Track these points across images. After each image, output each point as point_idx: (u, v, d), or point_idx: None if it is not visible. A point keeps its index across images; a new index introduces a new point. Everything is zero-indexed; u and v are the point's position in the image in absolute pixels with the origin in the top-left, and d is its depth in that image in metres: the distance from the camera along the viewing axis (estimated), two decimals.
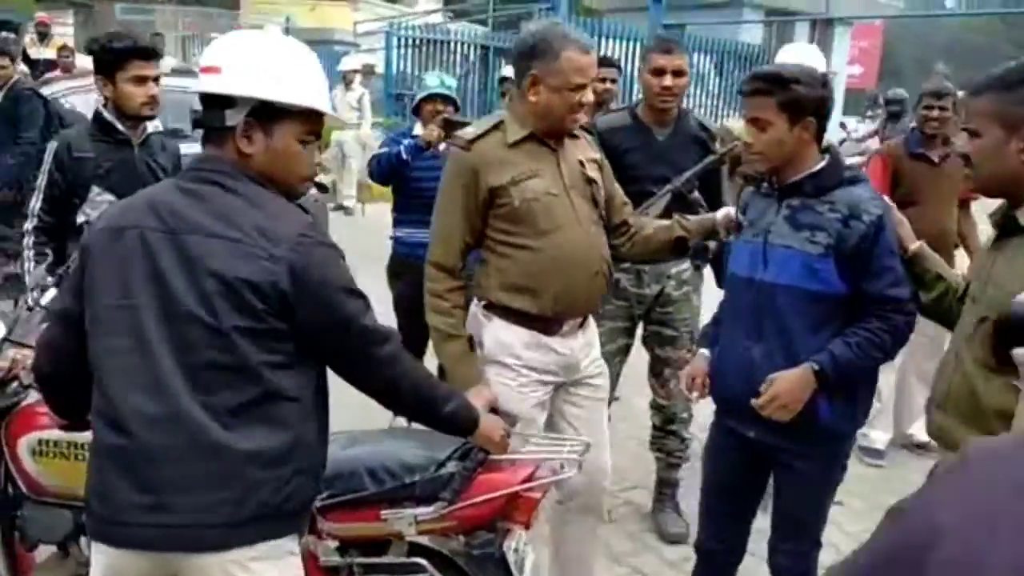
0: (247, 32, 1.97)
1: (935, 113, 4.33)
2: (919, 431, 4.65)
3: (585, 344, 2.77)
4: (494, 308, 2.66)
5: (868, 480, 4.39)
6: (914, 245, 2.42)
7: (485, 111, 9.57)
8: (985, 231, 4.33)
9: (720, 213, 2.80)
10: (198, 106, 1.85)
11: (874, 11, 18.55)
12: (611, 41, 13.46)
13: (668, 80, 3.32)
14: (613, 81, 4.50)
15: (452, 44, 14.06)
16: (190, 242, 1.72)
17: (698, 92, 14.22)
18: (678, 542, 3.67)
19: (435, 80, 4.30)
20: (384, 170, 4.11)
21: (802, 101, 2.32)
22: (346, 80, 10.89)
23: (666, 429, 3.75)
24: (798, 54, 3.85)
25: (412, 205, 4.06)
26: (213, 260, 1.70)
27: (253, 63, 1.80)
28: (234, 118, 1.78)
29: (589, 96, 2.56)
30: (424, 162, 3.99)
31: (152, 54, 3.10)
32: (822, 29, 17.75)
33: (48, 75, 10.22)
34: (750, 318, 2.45)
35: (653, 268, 3.47)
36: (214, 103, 1.80)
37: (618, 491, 4.16)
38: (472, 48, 14.19)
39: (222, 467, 1.70)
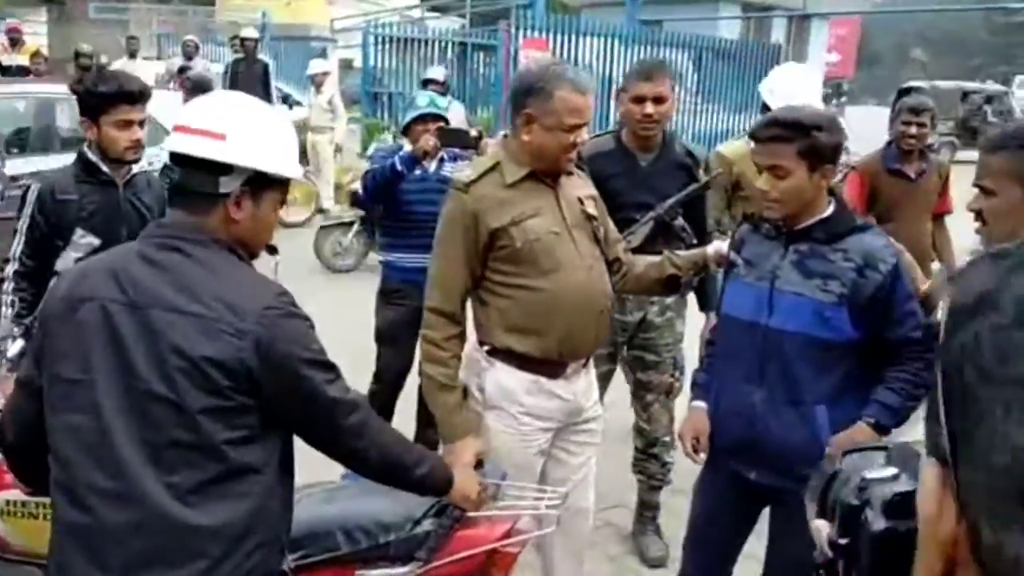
0: (237, 97, 1.90)
1: (913, 130, 4.29)
2: None
3: (587, 386, 2.74)
4: (496, 352, 2.61)
5: None
6: (924, 287, 2.42)
7: (465, 107, 9.50)
8: (960, 245, 4.36)
9: (711, 249, 2.79)
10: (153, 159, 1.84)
11: (850, 6, 18.55)
12: (587, 38, 13.42)
13: (649, 108, 3.26)
14: None
15: (429, 41, 13.99)
16: (152, 316, 1.68)
17: (677, 89, 14.19)
18: (659, 565, 3.67)
19: (425, 100, 4.19)
20: (379, 184, 3.92)
21: (822, 149, 2.27)
22: (315, 83, 10.80)
23: (648, 452, 3.73)
24: (792, 79, 3.87)
25: (403, 228, 3.99)
26: (176, 336, 1.66)
27: (255, 133, 1.79)
28: (229, 185, 1.76)
29: (583, 136, 2.53)
30: (414, 184, 3.92)
31: (139, 97, 3.00)
32: (799, 23, 17.78)
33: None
34: (751, 362, 2.41)
35: (636, 296, 3.45)
36: (205, 168, 1.76)
37: (598, 511, 4.15)
38: (450, 45, 14.13)
39: (183, 544, 1.66)
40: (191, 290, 1.69)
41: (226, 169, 1.75)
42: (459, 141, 3.86)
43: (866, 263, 2.28)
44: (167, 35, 19.59)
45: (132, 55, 12.53)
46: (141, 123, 3.03)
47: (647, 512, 3.82)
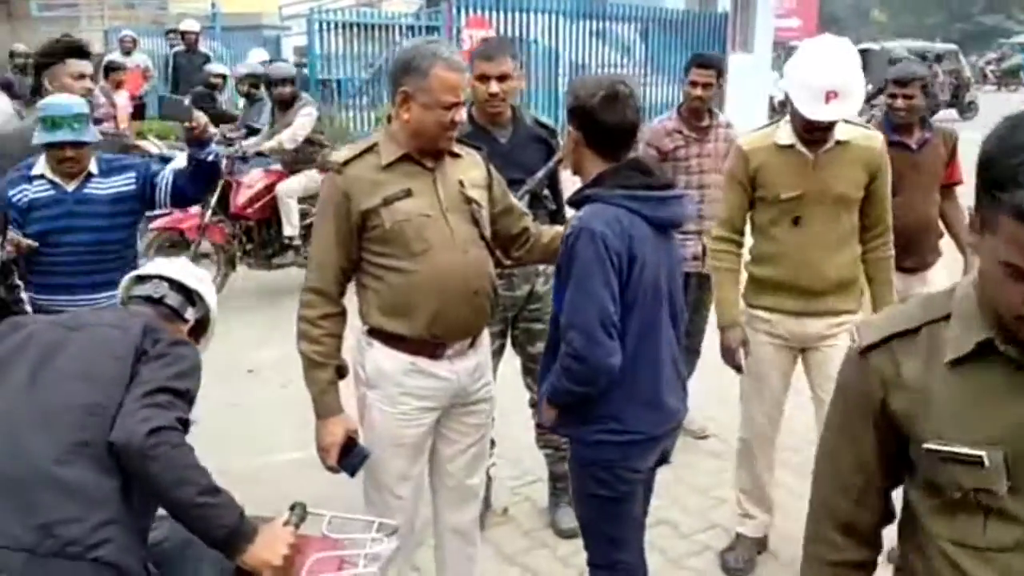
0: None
1: (900, 102, 4.07)
2: None
3: (475, 367, 2.76)
4: (374, 333, 2.66)
5: None
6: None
7: None
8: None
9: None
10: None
11: None
12: (532, 14, 13.38)
13: (494, 86, 3.35)
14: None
15: (376, 26, 13.90)
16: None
17: (625, 61, 14.21)
18: (572, 536, 3.68)
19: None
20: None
21: None
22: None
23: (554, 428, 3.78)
24: (833, 50, 3.13)
25: (42, 264, 3.32)
26: None
27: (213, 292, 2.53)
28: (193, 315, 2.40)
29: (461, 115, 2.56)
30: (50, 208, 3.28)
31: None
32: None
33: None
34: None
35: (523, 270, 3.49)
36: (181, 293, 2.40)
37: (518, 486, 4.23)
38: (397, 28, 14.04)
39: None
40: None
41: (192, 300, 2.42)
42: (180, 115, 3.46)
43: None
44: (117, 30, 19.32)
45: None
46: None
47: (559, 484, 3.88)
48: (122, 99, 9.76)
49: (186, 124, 3.36)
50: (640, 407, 2.41)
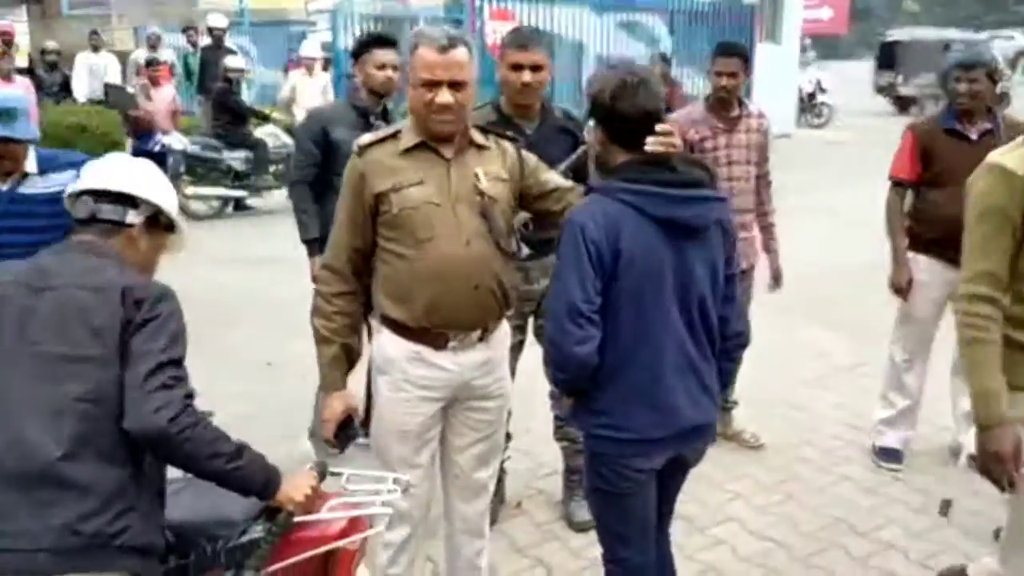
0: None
1: (963, 87, 3.92)
2: (972, 441, 4.20)
3: (482, 363, 2.73)
4: (383, 319, 2.69)
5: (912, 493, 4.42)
6: None
7: None
8: None
9: None
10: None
11: None
12: (556, 6, 13.32)
13: (527, 76, 3.29)
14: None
15: (402, 20, 13.92)
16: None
17: (651, 54, 14.08)
18: (586, 530, 3.68)
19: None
20: None
21: None
22: (306, 66, 10.72)
23: (566, 417, 3.77)
24: None
25: None
26: None
27: (160, 181, 2.30)
28: (135, 218, 2.21)
29: (443, 97, 2.50)
30: None
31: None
32: None
33: None
34: None
35: (540, 263, 3.47)
36: (116, 200, 2.20)
37: (533, 480, 4.22)
38: (422, 21, 14.05)
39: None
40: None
41: (133, 203, 2.22)
42: (124, 104, 3.41)
43: None
44: (145, 28, 19.53)
45: (95, 49, 12.53)
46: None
47: (573, 477, 3.86)
48: (162, 96, 9.63)
49: (131, 112, 3.35)
50: (634, 407, 2.36)
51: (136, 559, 1.92)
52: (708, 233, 2.39)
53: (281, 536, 2.11)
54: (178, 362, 1.99)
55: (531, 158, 2.79)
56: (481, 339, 2.71)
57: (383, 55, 4.07)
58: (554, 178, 2.83)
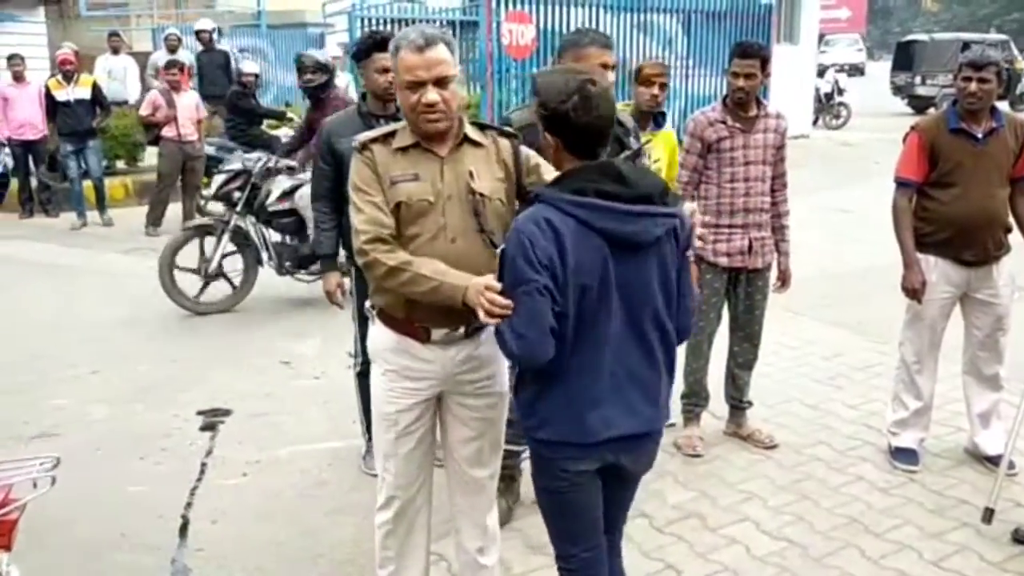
0: None
1: (973, 86, 3.89)
2: (988, 442, 4.27)
3: (468, 359, 2.72)
4: (372, 307, 2.78)
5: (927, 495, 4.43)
6: None
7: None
8: None
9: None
10: None
11: None
12: (573, 8, 13.29)
13: (612, 76, 3.18)
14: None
15: (418, 21, 13.97)
16: None
17: (667, 55, 14.09)
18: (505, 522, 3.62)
19: None
20: None
21: None
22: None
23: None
24: None
25: None
26: None
27: None
28: None
29: (429, 96, 2.51)
30: None
31: None
32: None
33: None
34: None
35: None
36: None
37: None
38: (438, 24, 14.10)
39: None
40: None
41: None
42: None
43: None
44: (162, 28, 19.67)
45: (115, 51, 12.61)
46: None
47: None
48: (184, 104, 9.68)
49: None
50: (566, 411, 2.35)
51: None
52: (658, 245, 2.34)
53: None
54: None
55: (531, 155, 2.76)
56: (468, 335, 2.71)
57: (384, 59, 3.92)
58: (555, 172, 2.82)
